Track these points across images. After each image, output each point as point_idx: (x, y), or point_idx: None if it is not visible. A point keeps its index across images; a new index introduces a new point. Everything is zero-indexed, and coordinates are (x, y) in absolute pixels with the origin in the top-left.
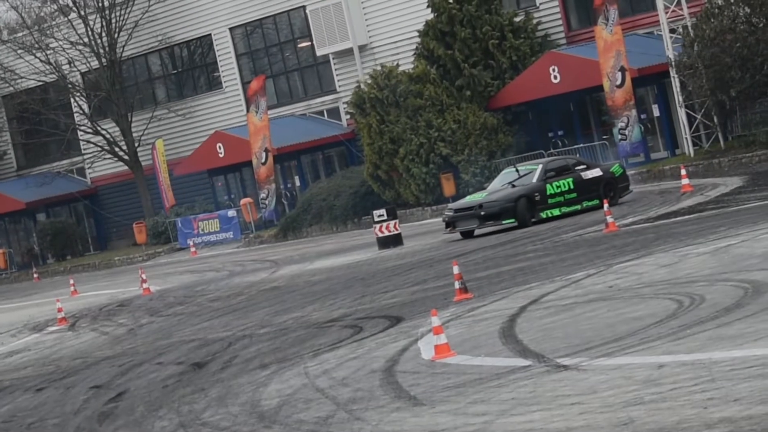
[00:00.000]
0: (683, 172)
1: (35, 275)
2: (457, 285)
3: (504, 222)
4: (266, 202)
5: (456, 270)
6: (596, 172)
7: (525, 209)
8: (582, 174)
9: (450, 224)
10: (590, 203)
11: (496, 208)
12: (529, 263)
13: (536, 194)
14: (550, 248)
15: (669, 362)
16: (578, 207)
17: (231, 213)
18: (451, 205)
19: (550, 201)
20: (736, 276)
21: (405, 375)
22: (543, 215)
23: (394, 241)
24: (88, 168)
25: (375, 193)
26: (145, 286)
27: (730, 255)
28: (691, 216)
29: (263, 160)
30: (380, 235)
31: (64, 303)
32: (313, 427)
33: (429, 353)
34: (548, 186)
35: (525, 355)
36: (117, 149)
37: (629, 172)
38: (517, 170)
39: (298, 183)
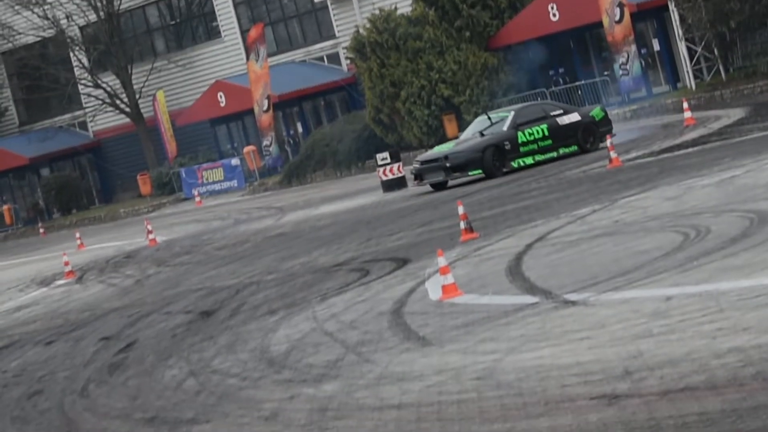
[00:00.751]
0: (685, 105)
1: (41, 230)
2: (462, 225)
3: (470, 173)
4: (269, 149)
5: (461, 210)
6: (574, 117)
7: (492, 159)
8: (558, 120)
9: (418, 176)
10: (567, 150)
11: (462, 159)
12: (534, 201)
13: (506, 143)
14: (554, 185)
15: (677, 294)
16: (554, 154)
17: (234, 162)
18: (419, 157)
19: (522, 149)
20: (741, 206)
21: (413, 316)
22: (514, 165)
23: (399, 183)
24: (90, 121)
25: (378, 136)
26: (151, 237)
27: (735, 186)
28: (695, 148)
29: (265, 108)
30: (384, 178)
31: (70, 256)
32: (322, 371)
33: (436, 294)
34: (519, 134)
35: (532, 292)
36: (118, 102)
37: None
38: (489, 117)
39: (300, 129)
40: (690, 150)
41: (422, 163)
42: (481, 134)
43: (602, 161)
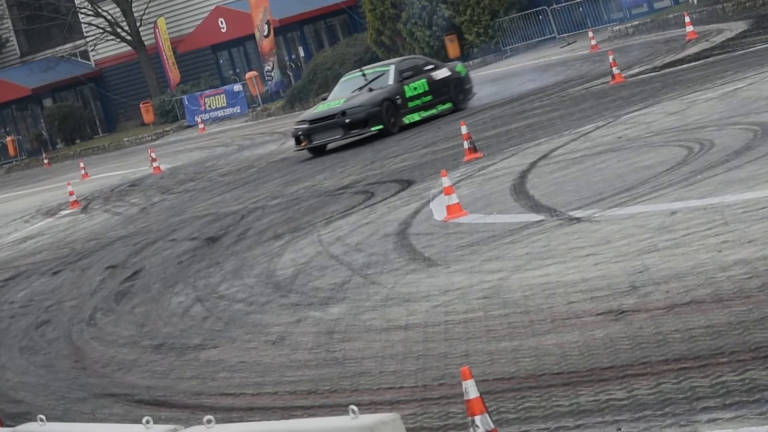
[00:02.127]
0: (687, 19)
1: (45, 161)
2: (466, 145)
3: (372, 129)
4: (271, 74)
5: (464, 130)
6: (445, 72)
7: (390, 114)
8: (433, 75)
9: (305, 137)
10: (444, 107)
11: (362, 114)
12: (537, 119)
13: (398, 97)
14: (557, 103)
15: (681, 208)
16: (434, 111)
17: (237, 87)
18: (303, 116)
19: (409, 105)
20: (744, 119)
21: (418, 237)
22: (405, 121)
23: None
24: (92, 51)
25: (380, 59)
26: (155, 164)
27: (738, 99)
28: (697, 62)
29: (265, 33)
30: None
31: (75, 186)
32: (329, 294)
33: (441, 214)
34: (406, 88)
35: (537, 210)
36: (119, 30)
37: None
38: (363, 74)
39: (302, 54)
40: (692, 64)
41: (312, 122)
42: (370, 89)
43: (605, 78)
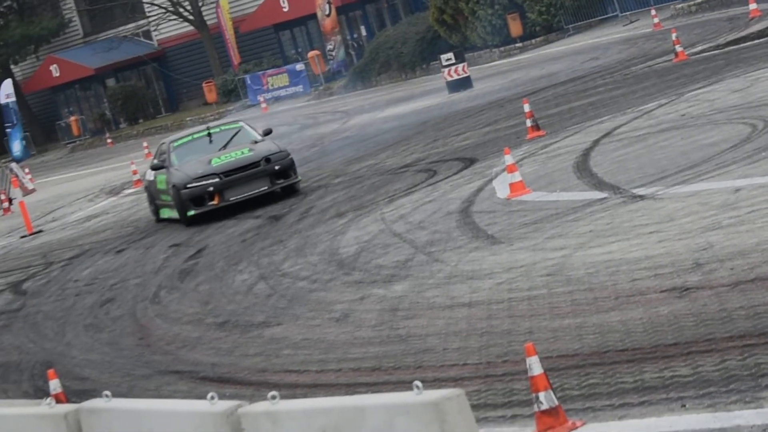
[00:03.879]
0: None
1: (109, 140)
2: (528, 123)
3: (297, 178)
4: (333, 53)
5: (527, 108)
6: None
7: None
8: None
9: (216, 194)
10: None
11: (288, 161)
12: (600, 97)
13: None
14: (620, 81)
15: (745, 185)
16: None
17: (299, 67)
18: (201, 171)
19: None
20: None
21: (481, 215)
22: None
23: (464, 84)
24: (154, 30)
25: (442, 38)
26: None
27: None
28: (761, 40)
29: (327, 12)
30: (449, 78)
31: (138, 166)
32: (392, 271)
33: (504, 192)
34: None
35: (600, 188)
36: (181, 10)
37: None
38: (209, 133)
39: (364, 33)
40: (756, 42)
41: (226, 174)
42: (250, 150)
43: (668, 56)
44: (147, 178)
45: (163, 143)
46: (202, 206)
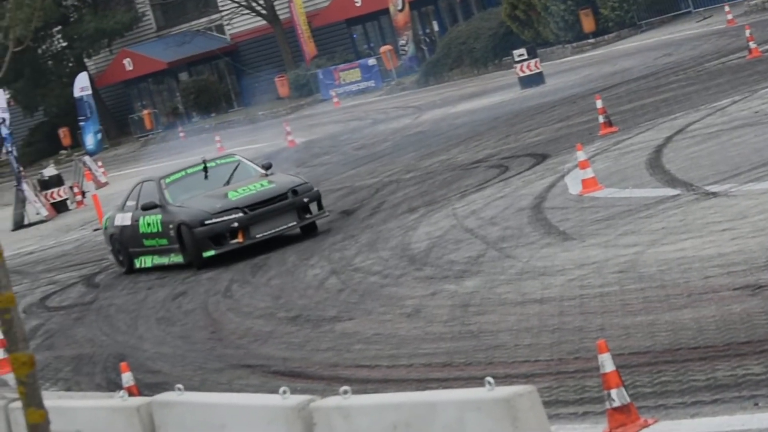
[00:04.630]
0: None
1: (181, 134)
2: (601, 119)
3: (325, 212)
4: (406, 48)
5: (599, 104)
6: None
7: None
8: None
9: (241, 230)
10: None
11: (315, 193)
12: (673, 94)
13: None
14: (693, 78)
15: None
16: None
17: (371, 62)
18: (219, 206)
19: None
20: None
21: (553, 211)
22: None
23: (536, 79)
24: (227, 25)
25: (514, 33)
26: (290, 138)
27: None
28: None
29: (400, 7)
30: (521, 74)
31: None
32: (464, 267)
33: (576, 188)
34: None
35: (673, 185)
36: (254, 4)
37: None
38: (204, 167)
39: (436, 28)
40: None
41: (250, 208)
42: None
43: (741, 52)
44: (115, 223)
45: (146, 181)
46: (222, 245)
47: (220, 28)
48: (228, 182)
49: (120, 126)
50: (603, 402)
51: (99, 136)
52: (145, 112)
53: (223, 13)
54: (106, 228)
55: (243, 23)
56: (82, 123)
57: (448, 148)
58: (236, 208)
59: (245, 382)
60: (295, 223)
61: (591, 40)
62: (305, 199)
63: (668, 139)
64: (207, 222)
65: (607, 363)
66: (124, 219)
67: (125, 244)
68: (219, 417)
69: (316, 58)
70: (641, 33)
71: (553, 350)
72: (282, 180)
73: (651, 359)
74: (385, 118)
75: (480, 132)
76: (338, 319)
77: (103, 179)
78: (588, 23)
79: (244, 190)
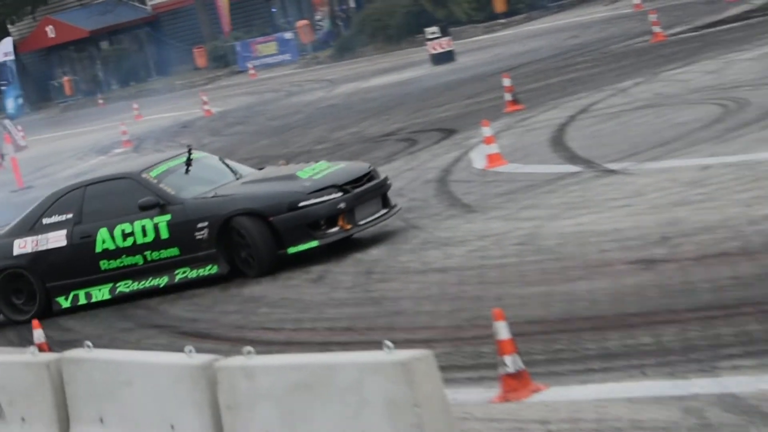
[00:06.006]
0: None
1: (100, 101)
2: (508, 97)
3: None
4: (322, 24)
5: (507, 83)
6: None
7: None
8: None
9: (346, 215)
10: None
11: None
12: (578, 74)
13: None
14: (598, 59)
15: (714, 164)
16: None
17: (288, 35)
18: (309, 184)
19: None
20: None
21: (458, 184)
22: None
23: (447, 57)
24: None
25: (427, 12)
26: (206, 108)
27: None
28: (737, 24)
29: None
30: (433, 51)
31: (128, 126)
32: (369, 235)
33: (481, 163)
34: None
35: (574, 162)
36: None
37: None
38: (189, 158)
39: (352, 4)
40: (732, 25)
41: (348, 185)
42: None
43: (646, 36)
44: (17, 251)
45: (74, 189)
46: (324, 235)
47: None
48: (236, 174)
49: (41, 92)
50: (497, 368)
51: (20, 101)
52: (66, 78)
53: None
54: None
55: None
56: (3, 88)
57: (360, 121)
58: (333, 186)
59: (153, 341)
60: (385, 211)
61: (502, 21)
62: (388, 182)
63: (572, 117)
64: (303, 204)
65: (502, 331)
66: (45, 241)
67: (45, 276)
68: (126, 374)
69: (234, 30)
70: (551, 15)
71: (452, 317)
72: (341, 163)
73: (545, 328)
74: (300, 90)
75: (391, 106)
76: (246, 283)
77: (22, 143)
78: (499, 4)
79: (314, 169)
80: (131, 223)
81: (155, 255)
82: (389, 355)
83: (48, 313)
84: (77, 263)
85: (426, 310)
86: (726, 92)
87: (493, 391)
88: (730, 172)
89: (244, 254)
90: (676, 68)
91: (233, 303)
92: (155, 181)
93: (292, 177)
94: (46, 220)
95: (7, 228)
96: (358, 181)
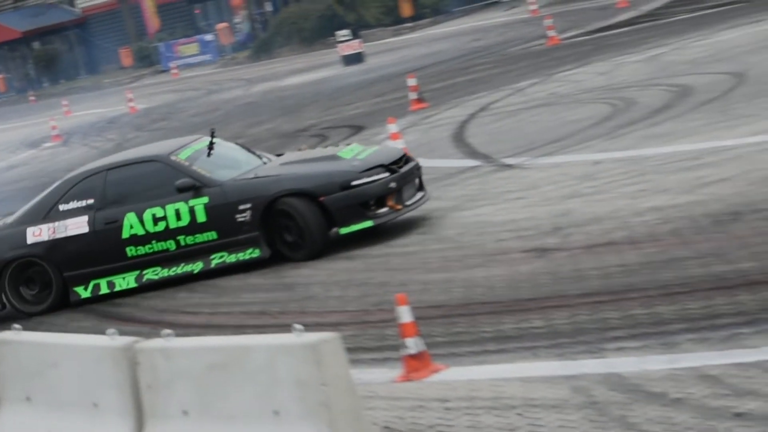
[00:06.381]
0: None
1: (31, 98)
2: (413, 96)
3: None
4: (240, 26)
5: (412, 82)
6: None
7: None
8: None
9: (395, 194)
10: None
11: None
12: (479, 75)
13: None
14: (498, 61)
15: (604, 159)
16: None
17: (209, 37)
18: (358, 163)
19: None
20: (666, 81)
21: None
22: None
23: (357, 58)
24: None
25: (339, 16)
26: (131, 105)
27: (661, 62)
28: (626, 28)
29: None
30: (344, 53)
31: (58, 122)
32: None
33: None
34: None
35: (474, 157)
36: None
37: None
38: (212, 142)
39: (269, 8)
40: (622, 30)
41: (395, 165)
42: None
43: (542, 39)
44: (30, 240)
45: (92, 175)
46: (376, 215)
47: (71, 2)
48: (261, 158)
49: None
50: (400, 349)
51: None
52: None
53: None
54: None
55: None
56: None
57: (275, 117)
58: (380, 166)
59: (79, 324)
60: (422, 194)
61: (409, 24)
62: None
63: (472, 115)
64: (355, 183)
65: (405, 315)
66: (63, 228)
67: (63, 265)
68: (52, 355)
69: (159, 32)
70: (455, 19)
71: (359, 302)
72: (374, 146)
73: (446, 312)
74: (219, 89)
75: (304, 104)
76: None
77: None
78: (407, 8)
79: (353, 150)
80: (162, 206)
81: (189, 240)
82: (299, 338)
83: (65, 304)
84: (101, 251)
85: (335, 295)
86: (615, 92)
87: (396, 371)
88: (619, 167)
89: (289, 237)
90: (570, 70)
91: (153, 288)
92: (186, 163)
93: (335, 157)
94: (62, 207)
95: (12, 217)
96: (398, 163)
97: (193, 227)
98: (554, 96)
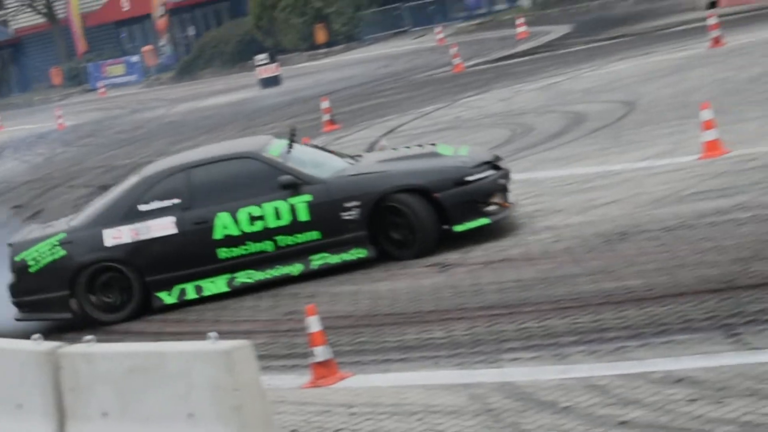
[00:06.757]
0: (520, 21)
1: None
2: (326, 117)
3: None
4: (165, 49)
5: (325, 105)
6: None
7: None
8: None
9: (501, 192)
10: None
11: None
12: (388, 99)
13: None
14: (404, 86)
15: None
16: None
17: (134, 59)
18: (468, 159)
19: None
20: (561, 108)
21: None
22: None
23: (274, 81)
24: (11, 20)
25: (258, 40)
26: (60, 121)
27: (557, 90)
28: (525, 58)
29: (161, 13)
30: (262, 76)
31: None
32: None
33: None
34: None
35: None
36: (36, 3)
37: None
38: (292, 139)
39: (192, 32)
40: (521, 59)
41: (505, 171)
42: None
43: (447, 67)
44: (108, 243)
45: (176, 172)
46: (486, 213)
47: (4, 23)
48: (342, 157)
49: None
50: (308, 357)
51: None
52: None
53: (8, 10)
54: (53, 261)
55: (26, 19)
56: None
57: (196, 136)
58: (487, 163)
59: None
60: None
61: (323, 50)
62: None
63: (381, 137)
64: (469, 179)
65: (313, 324)
66: (146, 229)
67: (145, 269)
68: None
69: (87, 53)
70: (366, 46)
71: (271, 312)
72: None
73: (352, 322)
74: (143, 108)
75: (224, 124)
76: None
77: None
78: (321, 35)
79: (448, 148)
80: (259, 205)
81: (290, 240)
82: (214, 345)
83: (146, 310)
84: (189, 253)
85: (248, 305)
86: (515, 118)
87: (304, 378)
88: (517, 187)
89: (396, 235)
90: (473, 95)
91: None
92: (281, 159)
93: (437, 154)
94: (143, 207)
95: (80, 218)
96: (495, 161)
97: (294, 227)
98: (458, 120)
